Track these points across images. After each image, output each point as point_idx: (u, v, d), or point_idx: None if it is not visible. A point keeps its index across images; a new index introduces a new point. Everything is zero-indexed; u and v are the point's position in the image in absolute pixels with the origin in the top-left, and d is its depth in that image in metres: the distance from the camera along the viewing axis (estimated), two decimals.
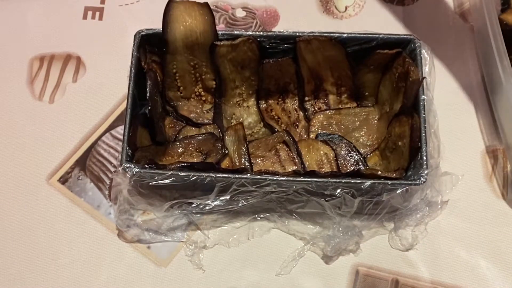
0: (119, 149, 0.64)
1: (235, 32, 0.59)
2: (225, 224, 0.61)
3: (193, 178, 0.53)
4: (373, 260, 0.60)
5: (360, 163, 0.61)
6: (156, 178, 0.53)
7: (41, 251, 0.61)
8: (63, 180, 0.64)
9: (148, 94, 0.57)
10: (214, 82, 0.62)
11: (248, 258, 0.60)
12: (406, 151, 0.55)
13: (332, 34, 0.58)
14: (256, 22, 0.71)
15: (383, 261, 0.60)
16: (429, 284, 0.59)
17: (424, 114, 0.54)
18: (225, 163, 0.60)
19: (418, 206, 0.58)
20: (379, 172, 0.55)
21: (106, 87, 0.68)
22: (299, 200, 0.57)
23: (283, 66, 0.61)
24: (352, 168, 0.60)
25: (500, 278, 0.59)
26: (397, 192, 0.54)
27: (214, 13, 0.60)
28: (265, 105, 0.63)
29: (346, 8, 0.72)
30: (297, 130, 0.63)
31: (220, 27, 0.71)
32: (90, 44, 0.70)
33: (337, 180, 0.53)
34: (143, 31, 0.59)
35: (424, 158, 0.53)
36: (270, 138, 0.61)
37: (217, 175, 0.53)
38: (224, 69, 0.61)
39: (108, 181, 0.64)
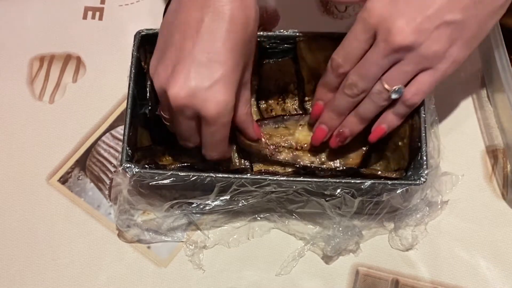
0: (119, 149, 0.64)
1: None
2: (225, 224, 0.61)
3: (193, 178, 0.53)
4: (373, 260, 0.60)
5: None
6: (156, 178, 0.53)
7: (41, 251, 0.61)
8: (63, 180, 0.64)
9: (148, 94, 0.57)
10: None
11: (248, 258, 0.60)
12: (406, 151, 0.55)
13: (332, 34, 0.58)
14: None
15: (383, 261, 0.60)
16: (429, 284, 0.59)
17: (424, 114, 0.54)
18: (225, 163, 0.60)
19: (418, 206, 0.58)
20: (379, 172, 0.55)
21: (106, 87, 0.68)
22: (299, 200, 0.57)
23: (283, 66, 0.61)
24: None
25: (500, 278, 0.59)
26: (397, 192, 0.54)
27: None
28: (265, 105, 0.63)
29: (346, 8, 0.72)
30: None
31: None
32: (90, 44, 0.70)
33: (337, 180, 0.53)
34: (143, 31, 0.58)
35: (424, 158, 0.53)
36: None
37: (217, 175, 0.53)
38: None
39: (108, 181, 0.64)
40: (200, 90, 0.47)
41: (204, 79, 0.47)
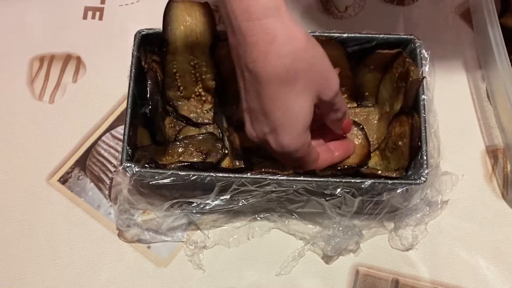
0: (119, 149, 0.64)
1: None
2: (225, 224, 0.61)
3: (193, 178, 0.53)
4: (373, 260, 0.60)
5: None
6: (156, 177, 0.53)
7: (41, 251, 0.61)
8: (63, 180, 0.64)
9: (148, 94, 0.57)
10: (214, 82, 0.62)
11: (248, 258, 0.60)
12: (406, 151, 0.55)
13: (332, 34, 0.58)
14: None
15: (383, 261, 0.60)
16: (429, 284, 0.59)
17: (424, 114, 0.54)
18: (225, 163, 0.60)
19: (418, 206, 0.58)
20: (379, 172, 0.55)
21: (106, 87, 0.68)
22: (299, 199, 0.57)
23: None
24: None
25: (500, 278, 0.59)
26: (397, 191, 0.54)
27: (214, 13, 0.60)
28: None
29: (346, 8, 0.72)
30: None
31: (220, 27, 0.71)
32: (90, 44, 0.70)
33: (337, 180, 0.53)
34: (143, 31, 0.59)
35: (424, 157, 0.53)
36: None
37: (217, 174, 0.53)
38: (224, 69, 0.61)
39: (108, 181, 0.64)
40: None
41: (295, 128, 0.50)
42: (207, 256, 0.60)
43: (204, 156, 0.60)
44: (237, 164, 0.60)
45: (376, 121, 0.62)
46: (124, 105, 0.66)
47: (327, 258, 0.60)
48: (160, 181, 0.53)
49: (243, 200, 0.56)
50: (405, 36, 0.58)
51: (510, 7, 0.68)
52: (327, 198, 0.55)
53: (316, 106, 0.51)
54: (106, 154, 0.65)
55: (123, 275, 0.60)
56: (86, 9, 0.72)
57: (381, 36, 0.58)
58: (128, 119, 0.55)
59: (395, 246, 0.60)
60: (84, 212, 0.63)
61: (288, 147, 0.50)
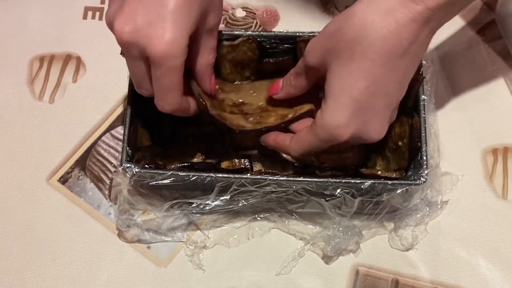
0: (119, 149, 0.64)
1: (235, 32, 0.59)
2: (225, 224, 0.61)
3: (193, 178, 0.53)
4: (373, 260, 0.60)
5: None
6: (156, 178, 0.53)
7: (41, 251, 0.61)
8: (63, 180, 0.64)
9: None
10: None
11: (248, 258, 0.60)
12: (406, 151, 0.55)
13: None
14: (256, 22, 0.71)
15: (383, 261, 0.60)
16: (429, 284, 0.59)
17: (424, 114, 0.54)
18: (225, 163, 0.60)
19: (418, 206, 0.58)
20: (379, 172, 0.55)
21: (106, 87, 0.68)
22: (299, 200, 0.57)
23: (283, 65, 0.61)
24: None
25: (500, 278, 0.59)
26: (397, 192, 0.54)
27: None
28: None
29: (346, 8, 0.72)
30: None
31: (220, 27, 0.71)
32: (90, 44, 0.70)
33: (337, 180, 0.53)
34: None
35: (424, 158, 0.53)
36: None
37: (217, 175, 0.53)
38: (224, 69, 0.60)
39: (108, 181, 0.64)
40: (146, 25, 0.43)
41: (151, 13, 0.42)
42: (207, 256, 0.60)
43: (204, 156, 0.60)
44: (237, 164, 0.60)
45: None
46: (124, 105, 0.66)
47: (327, 258, 0.60)
48: (160, 182, 0.53)
49: (243, 201, 0.56)
50: None
51: None
52: (327, 199, 0.55)
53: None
54: (106, 154, 0.65)
55: (123, 275, 0.60)
56: (86, 9, 0.72)
57: None
58: (128, 119, 0.55)
59: (395, 246, 0.60)
60: (84, 212, 0.63)
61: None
